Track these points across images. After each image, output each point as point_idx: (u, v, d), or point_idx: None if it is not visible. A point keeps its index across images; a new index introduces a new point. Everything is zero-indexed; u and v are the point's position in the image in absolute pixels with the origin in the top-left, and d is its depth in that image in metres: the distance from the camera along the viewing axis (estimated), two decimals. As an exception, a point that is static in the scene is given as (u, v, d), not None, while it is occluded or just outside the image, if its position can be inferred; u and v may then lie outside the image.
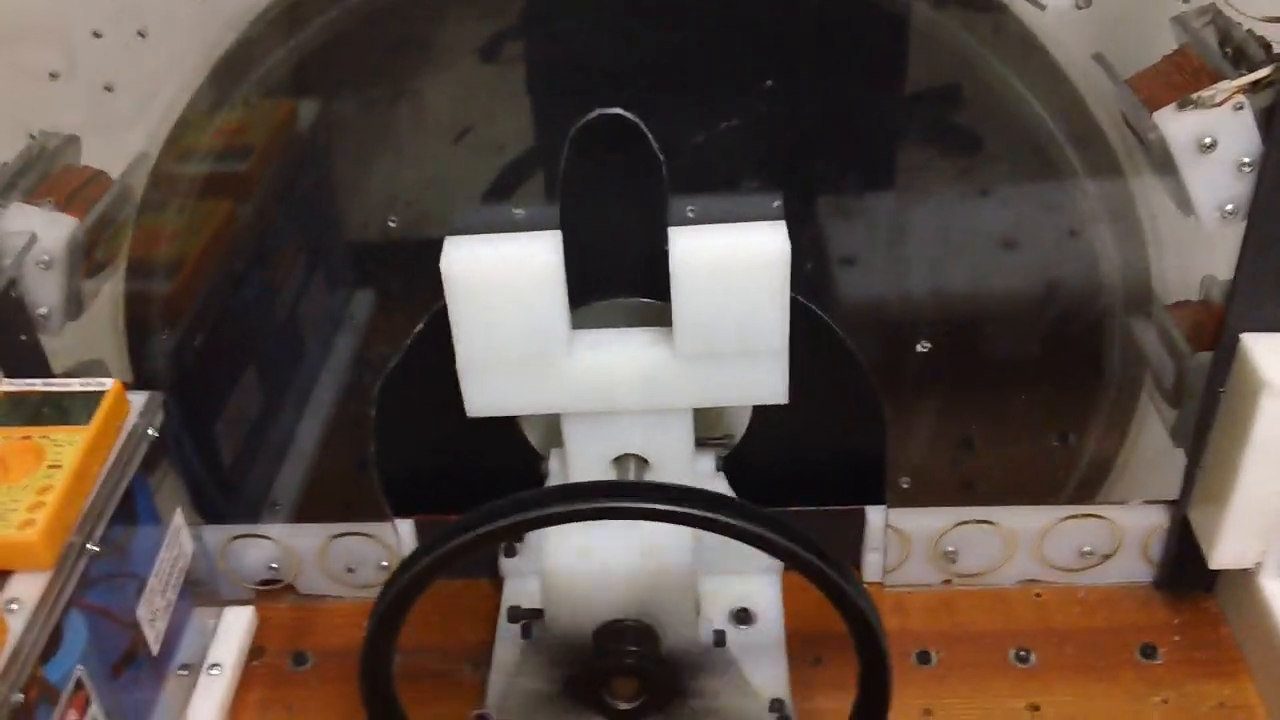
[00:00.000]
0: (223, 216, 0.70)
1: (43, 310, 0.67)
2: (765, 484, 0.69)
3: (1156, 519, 0.72)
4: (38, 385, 0.64)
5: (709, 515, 0.52)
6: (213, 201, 0.70)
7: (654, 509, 0.53)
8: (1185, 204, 0.62)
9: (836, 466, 0.72)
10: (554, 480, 0.69)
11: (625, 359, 0.64)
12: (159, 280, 0.69)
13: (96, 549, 0.60)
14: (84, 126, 0.67)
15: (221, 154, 0.68)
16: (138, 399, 0.66)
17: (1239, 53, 0.61)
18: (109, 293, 0.69)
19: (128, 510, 0.65)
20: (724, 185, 0.63)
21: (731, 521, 0.52)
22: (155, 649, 0.67)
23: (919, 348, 0.68)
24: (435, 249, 0.60)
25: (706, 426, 0.69)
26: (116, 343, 0.71)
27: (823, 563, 0.52)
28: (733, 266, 0.60)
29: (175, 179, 0.68)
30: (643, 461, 0.67)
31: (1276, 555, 0.67)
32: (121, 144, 0.67)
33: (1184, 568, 0.73)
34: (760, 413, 0.70)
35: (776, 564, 0.73)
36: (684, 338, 0.62)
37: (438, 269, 0.60)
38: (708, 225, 0.61)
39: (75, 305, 0.67)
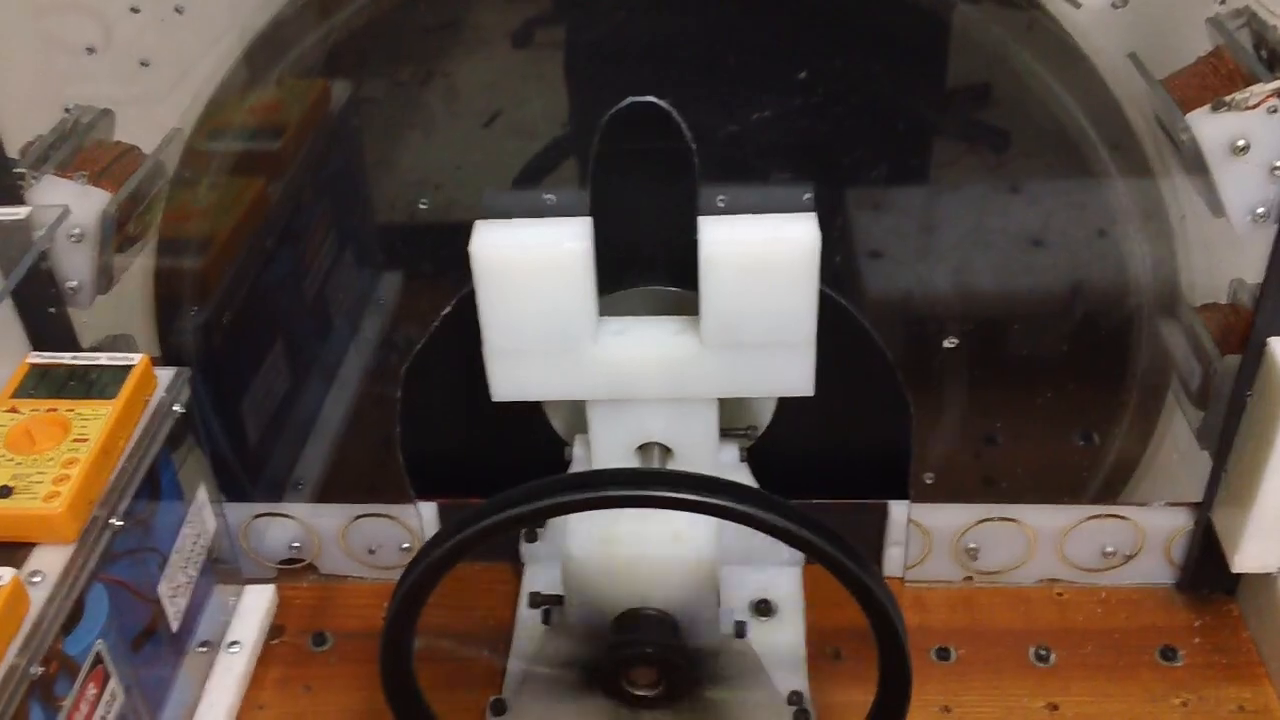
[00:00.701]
0: (254, 194, 0.70)
1: (73, 283, 0.67)
2: (789, 476, 0.69)
3: (1180, 521, 0.72)
4: (65, 358, 0.64)
5: (732, 505, 0.52)
6: (244, 179, 0.70)
7: (677, 498, 0.53)
8: (1216, 206, 0.62)
9: (861, 460, 0.72)
10: (578, 467, 0.69)
11: (652, 347, 0.64)
12: (189, 256, 0.70)
13: (120, 524, 0.60)
14: (119, 101, 0.67)
15: (254, 132, 0.68)
16: (165, 374, 0.66)
17: (1274, 56, 0.61)
18: (139, 267, 0.70)
19: (152, 486, 0.65)
20: (755, 176, 0.63)
21: (755, 513, 0.52)
22: (175, 625, 0.67)
23: (946, 343, 0.67)
24: (465, 232, 0.60)
25: (731, 417, 0.69)
26: (145, 318, 0.72)
27: (846, 557, 0.52)
28: (762, 258, 0.60)
29: (208, 156, 0.68)
30: (666, 450, 0.67)
31: (1300, 561, 0.67)
32: (155, 119, 0.67)
33: (1206, 570, 0.72)
34: (785, 404, 0.70)
35: (798, 556, 0.73)
36: (711, 328, 0.62)
37: (467, 252, 0.60)
38: (738, 216, 0.61)
39: (106, 279, 0.68)
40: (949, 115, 0.66)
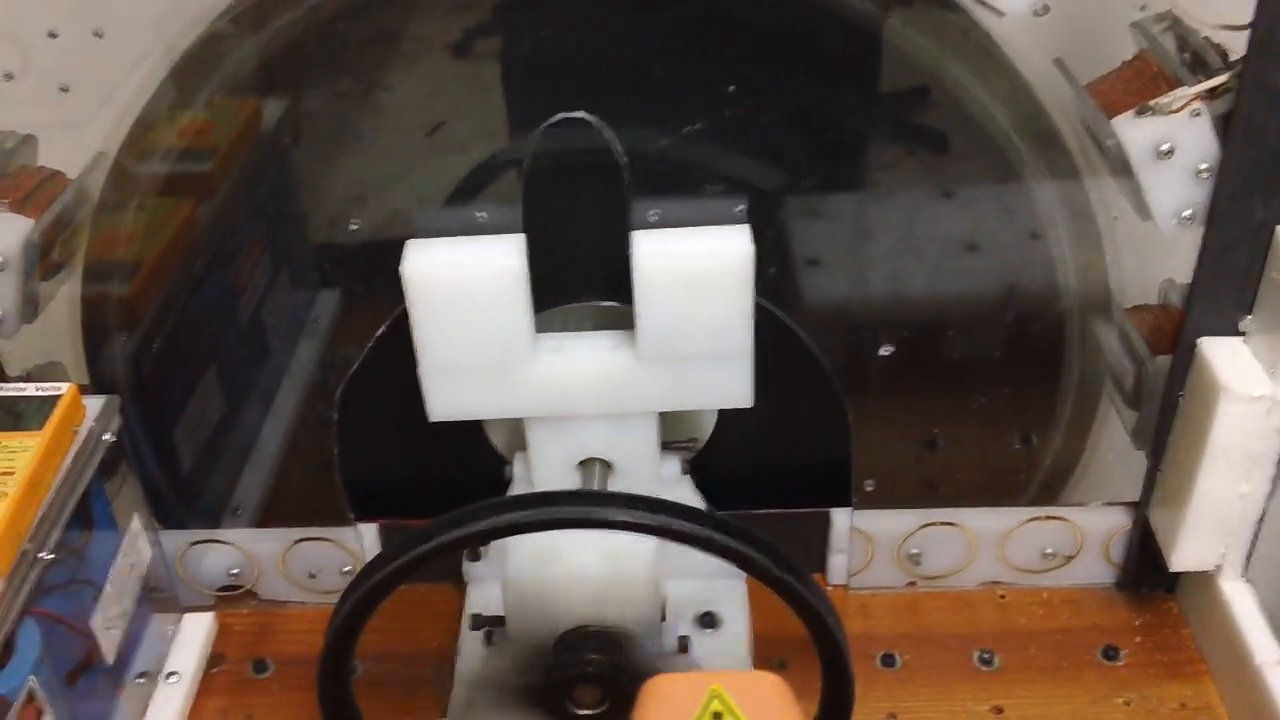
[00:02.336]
0: (184, 217, 0.69)
1: (-3, 313, 0.66)
2: (731, 487, 0.70)
3: (1118, 521, 0.73)
4: (-9, 390, 0.63)
5: (665, 523, 0.52)
6: (173, 202, 0.69)
7: (609, 519, 0.53)
8: (1143, 209, 0.62)
9: (802, 469, 0.72)
10: (518, 485, 0.69)
11: (589, 363, 0.63)
12: (117, 282, 0.68)
13: (50, 556, 0.59)
14: (40, 126, 0.66)
15: (183, 154, 0.67)
16: (94, 403, 0.65)
17: (1196, 59, 0.61)
18: (65, 295, 0.68)
19: (84, 516, 0.64)
20: (688, 189, 0.63)
21: (685, 528, 0.52)
22: (111, 658, 0.66)
23: (881, 351, 0.68)
24: (398, 250, 0.60)
25: (672, 430, 0.69)
26: (73, 346, 0.70)
27: (779, 567, 0.52)
28: (696, 271, 0.60)
29: (134, 179, 0.67)
30: (607, 466, 0.67)
31: (1236, 557, 0.67)
32: (80, 144, 0.66)
33: (1145, 569, 0.73)
34: (725, 416, 0.70)
35: (741, 568, 0.72)
36: (647, 342, 0.62)
37: (399, 271, 0.60)
38: (671, 229, 0.61)
39: (31, 308, 0.66)
40: (888, 119, 0.66)
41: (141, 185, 0.68)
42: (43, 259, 0.66)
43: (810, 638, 0.54)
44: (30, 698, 0.57)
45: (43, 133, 0.66)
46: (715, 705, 0.31)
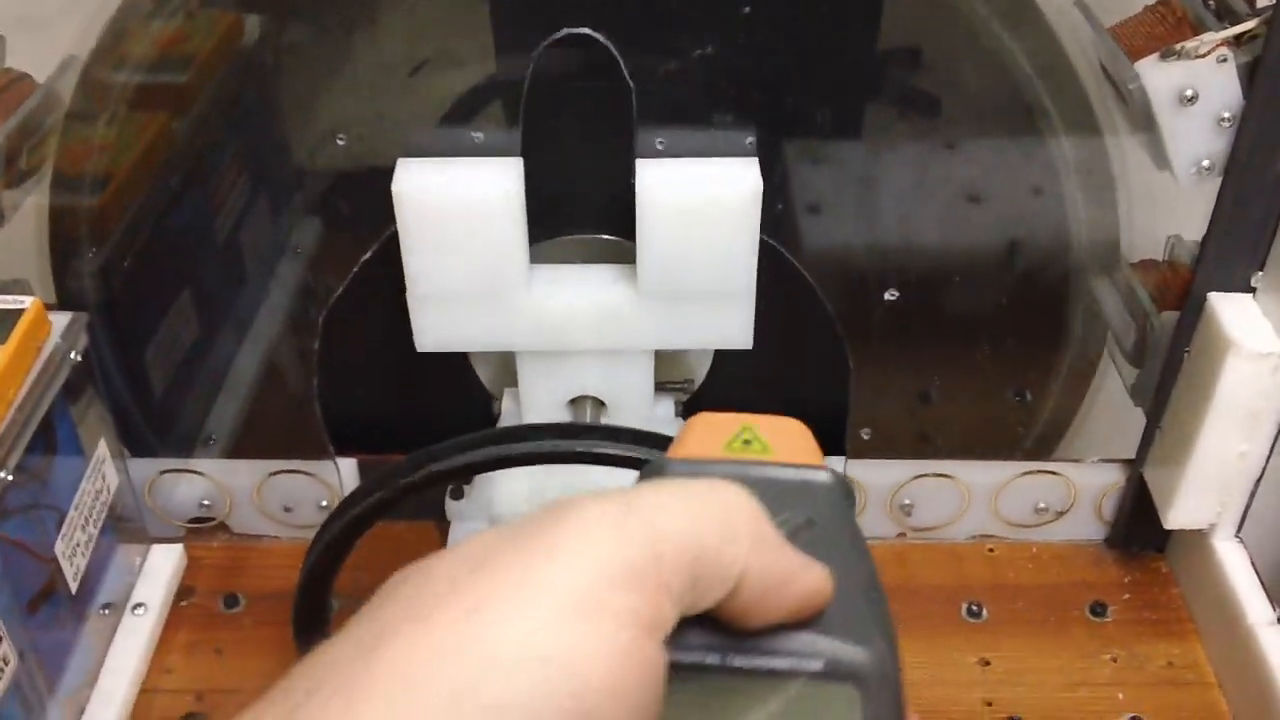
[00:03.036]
0: (157, 130, 0.66)
1: (-41, 222, 0.62)
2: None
3: (1112, 477, 0.72)
4: (-50, 302, 0.60)
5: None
6: (147, 114, 0.65)
7: (607, 454, 0.51)
8: (1161, 158, 0.61)
9: (797, 415, 0.70)
10: (507, 421, 0.67)
11: (586, 296, 0.61)
12: (87, 194, 0.65)
13: (10, 478, 0.56)
14: (8, 25, 0.62)
15: (158, 63, 0.64)
16: (60, 320, 0.62)
17: (1222, 6, 0.60)
18: (32, 206, 0.65)
19: (47, 439, 0.61)
20: (696, 119, 0.60)
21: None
22: (74, 586, 0.63)
23: (887, 295, 0.66)
24: (382, 178, 0.57)
25: (666, 370, 0.67)
26: (39, 262, 0.67)
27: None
28: (702, 202, 0.58)
29: (106, 87, 0.63)
30: (600, 404, 0.65)
31: (1231, 516, 0.67)
32: (49, 45, 0.62)
33: (1136, 527, 0.72)
34: (721, 358, 0.68)
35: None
36: (648, 276, 0.60)
37: (388, 194, 0.57)
38: (677, 159, 0.59)
39: (-5, 218, 0.63)
40: (890, 71, 0.63)
41: (114, 94, 0.64)
42: (9, 166, 0.62)
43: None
44: (-10, 624, 0.55)
45: (9, 32, 0.62)
46: (746, 434, 0.33)
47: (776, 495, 0.30)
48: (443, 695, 0.24)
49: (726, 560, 0.27)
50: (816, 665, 0.28)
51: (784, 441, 0.33)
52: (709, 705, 0.28)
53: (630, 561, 0.26)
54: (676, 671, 0.27)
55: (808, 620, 0.29)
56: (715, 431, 0.34)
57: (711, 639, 0.28)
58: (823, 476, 0.32)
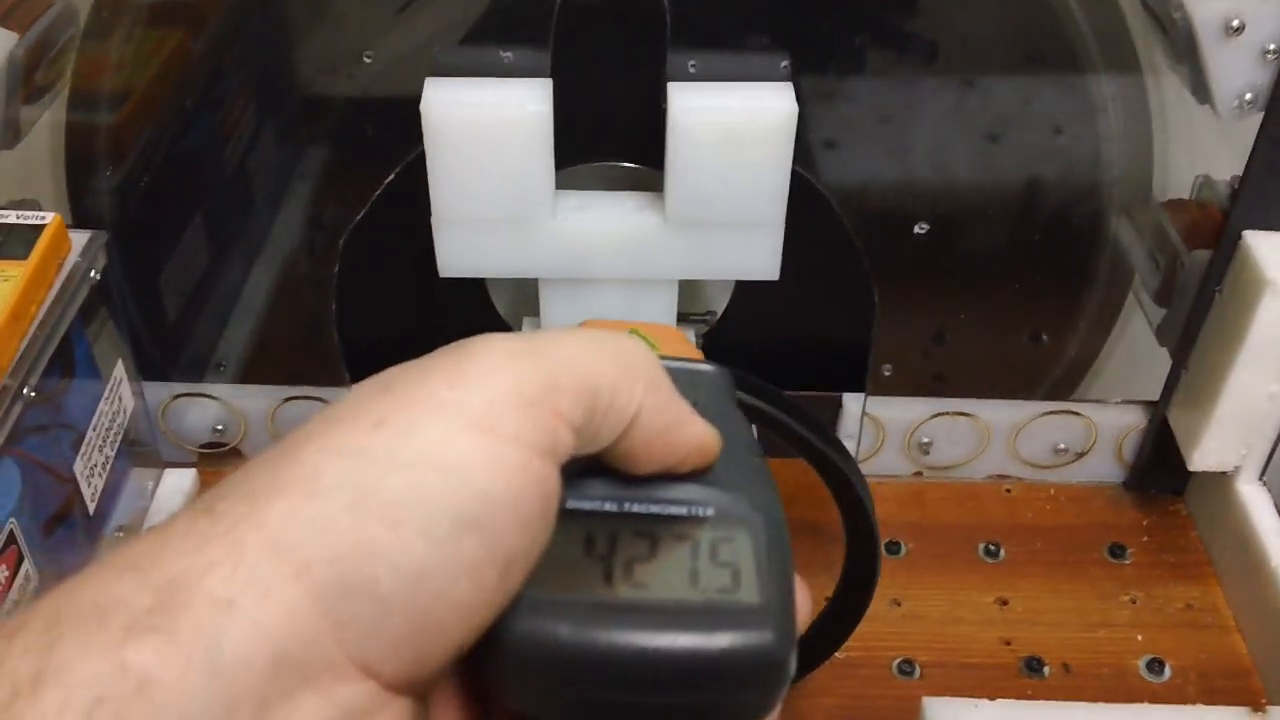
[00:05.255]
0: (172, 48, 0.64)
1: (-26, 135, 0.61)
2: (743, 365, 0.67)
3: (1133, 419, 0.71)
4: (-32, 216, 0.59)
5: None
6: (162, 31, 0.64)
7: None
8: (1202, 91, 0.60)
9: (819, 350, 0.70)
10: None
11: (612, 223, 0.60)
12: (104, 111, 0.64)
13: (33, 394, 0.55)
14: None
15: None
16: (79, 237, 0.61)
17: (1268, -66, 0.58)
18: (48, 123, 0.64)
19: (64, 360, 0.60)
20: (728, 42, 0.59)
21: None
22: (92, 507, 0.63)
23: (916, 229, 0.65)
24: (395, 107, 0.56)
25: (687, 301, 0.66)
26: (54, 181, 0.65)
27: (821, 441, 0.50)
28: (735, 127, 0.57)
29: (123, 1, 0.62)
30: (622, 334, 0.64)
31: (1255, 459, 0.66)
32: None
33: (1156, 470, 0.72)
34: (743, 289, 0.67)
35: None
36: (676, 203, 0.59)
37: (411, 116, 0.56)
38: (710, 83, 0.58)
39: (12, 133, 0.61)
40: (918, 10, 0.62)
41: (130, 9, 0.63)
42: (26, 80, 0.61)
43: (841, 511, 0.52)
44: (10, 540, 0.54)
45: (25, -58, 0.61)
46: (634, 335, 0.36)
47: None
48: (344, 494, 0.25)
49: (623, 397, 0.29)
50: (709, 511, 0.31)
51: (669, 343, 0.38)
52: (606, 545, 0.30)
53: (528, 388, 0.27)
54: (573, 518, 0.30)
55: (698, 474, 0.31)
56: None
57: (607, 489, 0.31)
58: (708, 367, 0.35)
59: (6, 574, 0.54)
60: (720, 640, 0.28)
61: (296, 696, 0.24)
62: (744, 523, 0.30)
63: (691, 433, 0.31)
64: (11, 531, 0.54)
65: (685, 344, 0.38)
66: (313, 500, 0.25)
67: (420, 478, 0.26)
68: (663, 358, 0.32)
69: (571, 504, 0.30)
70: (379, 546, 0.25)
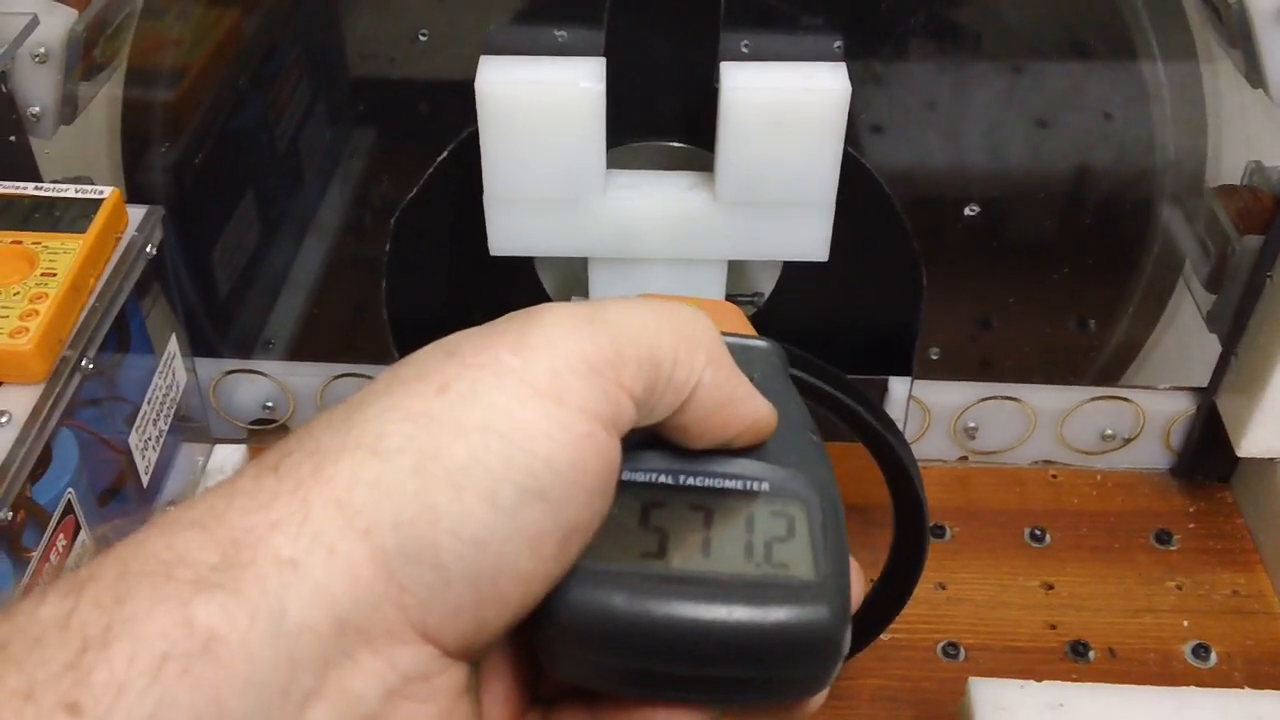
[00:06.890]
0: (228, 27, 0.65)
1: (35, 110, 0.62)
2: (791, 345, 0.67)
3: (1182, 405, 0.71)
4: (29, 189, 0.60)
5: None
6: (217, 10, 0.64)
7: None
8: (1256, 75, 0.59)
9: (866, 332, 0.70)
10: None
11: (663, 202, 0.60)
12: (161, 89, 0.64)
13: (91, 366, 0.56)
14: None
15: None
16: (136, 212, 0.62)
17: (1328, -83, 0.58)
18: (105, 99, 0.64)
19: (120, 333, 0.61)
20: (781, 23, 0.59)
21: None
22: (145, 480, 0.64)
23: (967, 211, 0.65)
24: (444, 91, 0.56)
25: (735, 282, 0.66)
26: (110, 157, 0.66)
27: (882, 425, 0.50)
28: (787, 107, 0.57)
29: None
30: (670, 313, 0.64)
31: (1306, 446, 0.66)
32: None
33: (1203, 457, 0.72)
34: (791, 270, 0.67)
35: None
36: (726, 183, 0.59)
37: (464, 95, 0.56)
38: (762, 62, 0.58)
39: (70, 108, 0.62)
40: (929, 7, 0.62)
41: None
42: (84, 56, 0.62)
43: (890, 491, 0.51)
44: (68, 509, 0.55)
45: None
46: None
47: None
48: (409, 458, 0.25)
49: (683, 369, 0.28)
50: (764, 486, 0.30)
51: (725, 318, 0.36)
52: (661, 517, 0.30)
53: (592, 356, 0.27)
54: (629, 489, 0.29)
55: (754, 449, 0.31)
56: None
57: (663, 462, 0.30)
58: (763, 343, 0.35)
59: (65, 542, 0.55)
60: (776, 614, 0.28)
61: (357, 658, 0.25)
62: (799, 498, 0.30)
63: (749, 408, 0.30)
64: (69, 501, 0.55)
65: (741, 319, 0.38)
66: (377, 461, 0.25)
67: (484, 444, 0.25)
68: (721, 333, 0.32)
69: (627, 475, 0.29)
70: (442, 512, 0.25)
